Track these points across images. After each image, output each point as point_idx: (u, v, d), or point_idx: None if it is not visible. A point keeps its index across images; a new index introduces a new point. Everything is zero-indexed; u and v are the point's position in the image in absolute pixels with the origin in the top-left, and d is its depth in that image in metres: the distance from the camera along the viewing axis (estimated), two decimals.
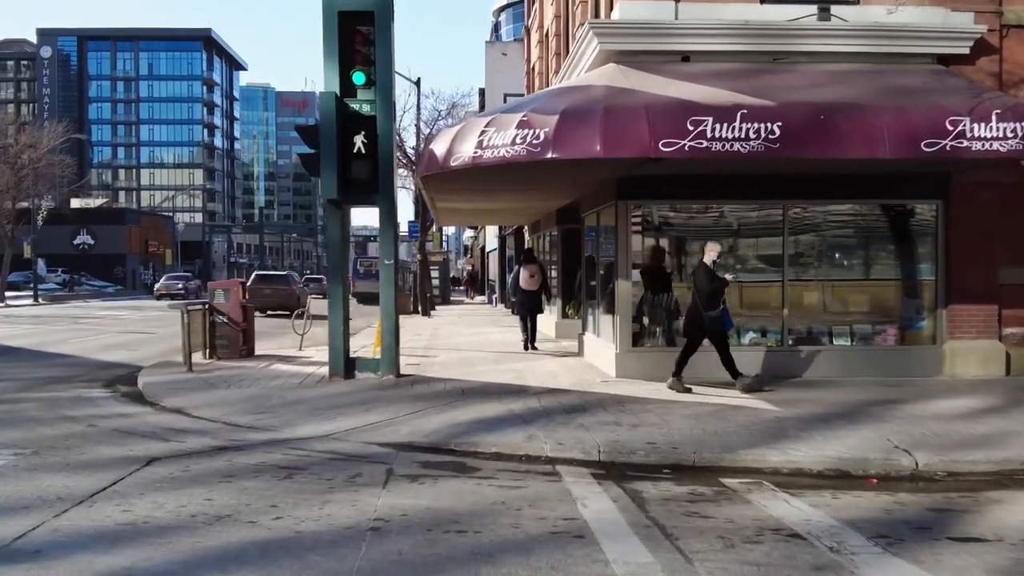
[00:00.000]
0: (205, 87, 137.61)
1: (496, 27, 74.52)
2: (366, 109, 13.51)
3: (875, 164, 11.85)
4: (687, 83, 11.75)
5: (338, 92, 13.32)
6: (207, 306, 17.18)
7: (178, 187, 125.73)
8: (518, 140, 10.74)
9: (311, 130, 13.35)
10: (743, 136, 10.50)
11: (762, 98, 11.10)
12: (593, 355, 15.18)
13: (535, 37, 27.52)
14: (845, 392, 11.83)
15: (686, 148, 10.46)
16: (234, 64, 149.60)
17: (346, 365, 13.63)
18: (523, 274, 18.23)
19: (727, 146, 10.49)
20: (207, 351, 17.03)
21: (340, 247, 13.62)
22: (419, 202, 37.90)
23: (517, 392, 12.14)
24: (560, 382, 12.97)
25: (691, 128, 10.48)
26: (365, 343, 18.64)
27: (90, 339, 23.91)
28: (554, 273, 22.19)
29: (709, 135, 10.48)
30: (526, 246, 29.87)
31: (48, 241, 78.27)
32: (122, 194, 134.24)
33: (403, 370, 14.47)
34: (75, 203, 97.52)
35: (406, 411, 10.83)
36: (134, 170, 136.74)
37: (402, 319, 34.27)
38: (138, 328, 28.59)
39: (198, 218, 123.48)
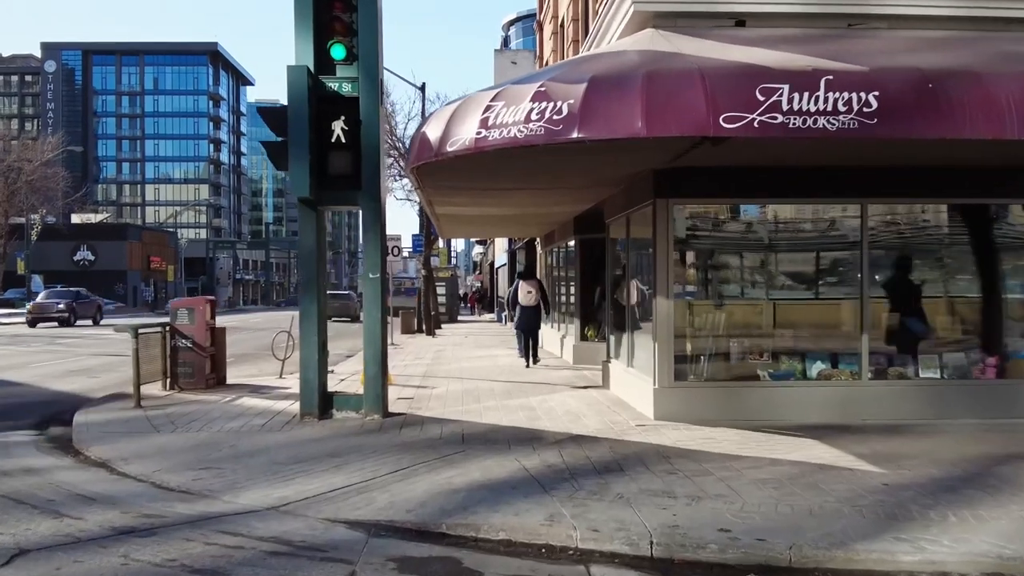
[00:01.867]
0: (211, 102, 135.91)
1: (506, 40, 72.73)
2: (347, 89, 11.05)
3: (984, 150, 9.32)
4: (747, 47, 9.23)
5: (312, 68, 10.86)
6: (167, 328, 14.69)
7: (184, 203, 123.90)
8: (534, 116, 8.21)
9: (277, 113, 10.87)
10: (830, 109, 7.92)
11: (848, 63, 8.57)
12: (623, 389, 12.60)
13: (548, 30, 25.11)
14: (951, 442, 9.24)
15: (755, 124, 7.89)
16: (241, 79, 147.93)
17: (321, 402, 11.12)
18: (521, 290, 17.73)
19: (809, 122, 7.91)
20: (167, 381, 14.54)
21: (315, 257, 11.12)
22: (424, 214, 35.47)
23: (531, 440, 9.60)
24: (585, 426, 10.40)
25: (761, 98, 7.91)
26: (359, 368, 16.06)
27: (54, 363, 21.46)
28: (571, 290, 19.65)
29: (785, 107, 7.90)
30: (537, 259, 27.37)
31: (47, 257, 76.55)
32: (127, 210, 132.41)
33: (393, 406, 11.95)
34: (76, 218, 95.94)
35: (388, 468, 8.30)
36: (139, 186, 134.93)
37: (405, 339, 32.02)
38: (118, 349, 26.03)
39: (204, 234, 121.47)
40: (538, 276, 28.11)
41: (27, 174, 59.54)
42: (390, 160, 36.46)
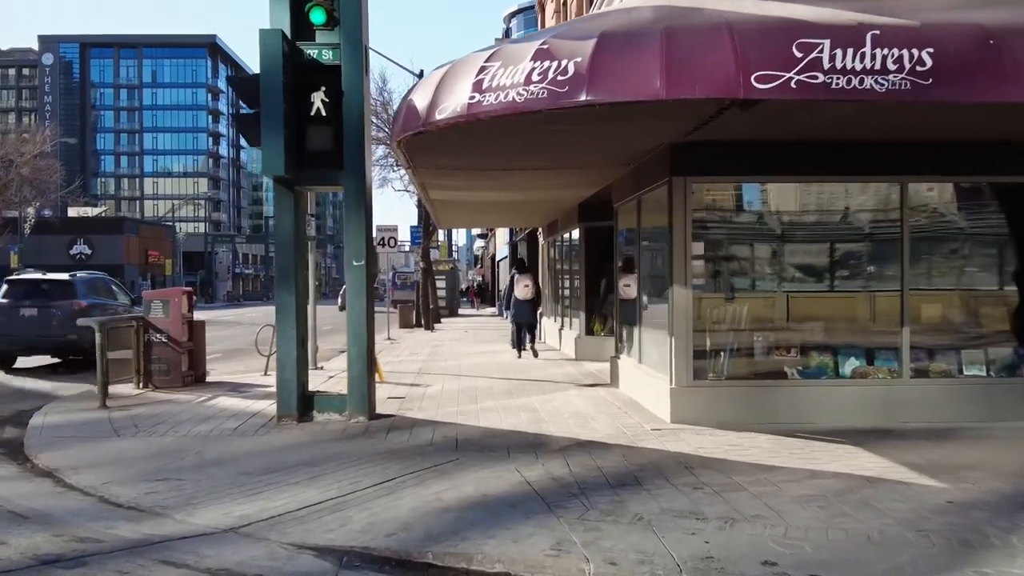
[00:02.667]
0: (210, 95, 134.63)
1: (507, 33, 71.70)
2: (327, 57, 9.95)
3: None
4: (780, 1, 8.13)
5: (288, 32, 9.77)
6: (140, 322, 13.62)
7: (183, 196, 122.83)
8: (535, 77, 7.11)
9: (248, 82, 9.79)
10: (878, 67, 6.81)
11: (897, 17, 7.47)
12: (634, 387, 11.52)
13: (550, 10, 23.99)
14: (1010, 449, 8.15)
15: (792, 84, 6.78)
16: (240, 72, 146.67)
17: (301, 404, 10.04)
18: (518, 284, 18.02)
19: (854, 82, 6.81)
20: (139, 378, 13.47)
21: (293, 243, 10.03)
22: (422, 205, 34.37)
23: (534, 446, 8.52)
24: (594, 430, 9.32)
25: (799, 55, 6.82)
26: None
27: (31, 359, 20.34)
28: (575, 282, 18.56)
29: (826, 65, 6.80)
30: (540, 250, 26.30)
31: (43, 251, 75.32)
32: (125, 204, 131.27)
33: (382, 406, 10.89)
34: (72, 212, 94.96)
35: (369, 481, 7.23)
36: (137, 179, 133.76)
37: (402, 334, 30.94)
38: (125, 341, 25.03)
39: (203, 228, 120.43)
40: (539, 268, 27.15)
41: (19, 166, 58.47)
42: (387, 150, 35.37)
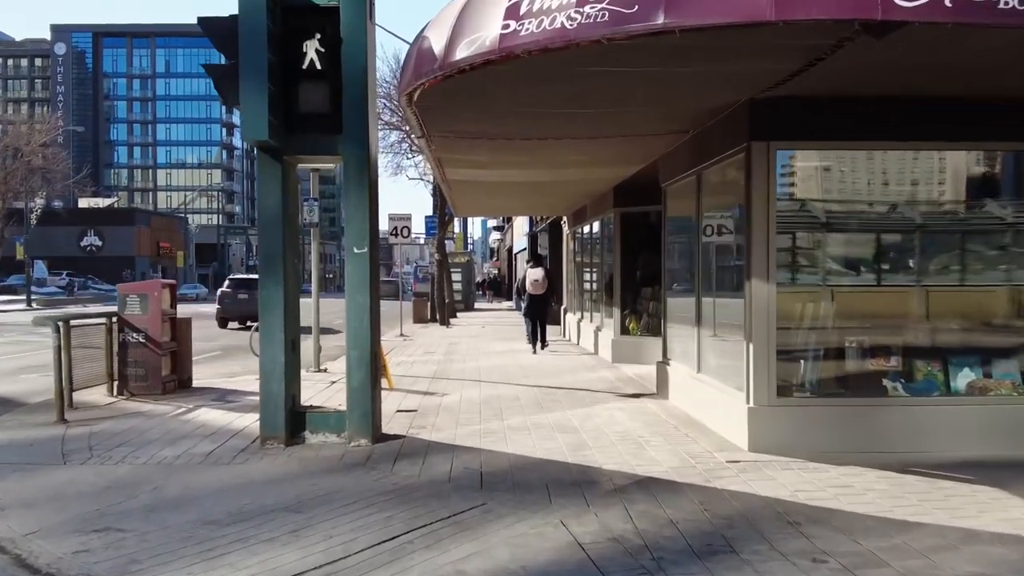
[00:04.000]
0: None
1: None
2: None
3: None
4: None
5: None
6: (113, 320, 11.84)
7: (196, 188, 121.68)
8: None
9: (222, 25, 7.94)
10: None
11: None
12: (691, 402, 9.62)
13: None
14: None
15: (947, 2, 4.91)
16: None
17: (290, 422, 8.22)
18: (529, 278, 17.81)
19: None
20: (113, 384, 11.70)
21: (281, 224, 8.18)
22: (438, 193, 32.54)
23: (580, 483, 6.66)
24: (653, 460, 7.43)
25: None
26: None
27: (9, 360, 18.64)
28: (607, 277, 16.68)
29: None
30: (564, 240, 24.42)
31: (52, 242, 74.29)
32: (138, 195, 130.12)
33: (390, 424, 9.07)
34: (83, 203, 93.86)
35: (368, 539, 5.42)
36: (150, 170, 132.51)
37: (417, 329, 29.06)
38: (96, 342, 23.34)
39: (216, 220, 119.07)
40: (562, 261, 25.27)
41: (26, 155, 57.03)
42: (400, 135, 33.55)
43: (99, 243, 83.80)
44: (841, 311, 8.07)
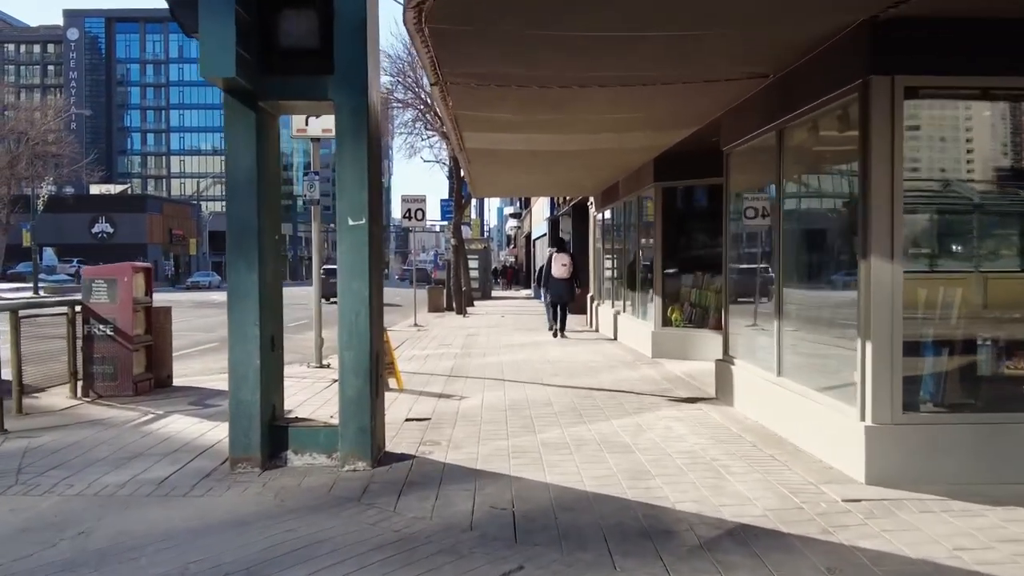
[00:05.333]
0: None
1: None
2: None
3: None
4: None
5: None
6: (76, 309, 10.15)
7: (210, 175, 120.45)
8: None
9: None
10: None
11: None
12: (770, 412, 7.76)
13: None
14: None
15: None
16: None
17: (267, 440, 6.46)
18: (555, 263, 17.90)
19: None
20: (75, 385, 10.01)
21: (254, 188, 6.39)
22: (454, 175, 30.77)
23: (650, 534, 4.87)
24: (741, 496, 5.60)
25: None
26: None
27: None
28: (645, 262, 14.86)
29: None
30: (591, 223, 22.56)
31: (63, 229, 73.19)
32: (151, 182, 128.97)
33: (396, 438, 7.35)
34: (95, 189, 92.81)
35: None
36: (164, 157, 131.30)
37: (432, 319, 27.26)
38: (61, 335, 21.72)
39: None
40: (589, 245, 23.42)
41: (32, 139, 55.69)
42: (415, 113, 31.80)
43: (110, 230, 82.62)
44: (986, 301, 6.23)
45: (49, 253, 69.00)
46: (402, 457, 6.77)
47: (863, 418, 5.81)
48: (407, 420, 8.33)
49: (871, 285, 5.77)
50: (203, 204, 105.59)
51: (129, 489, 6.00)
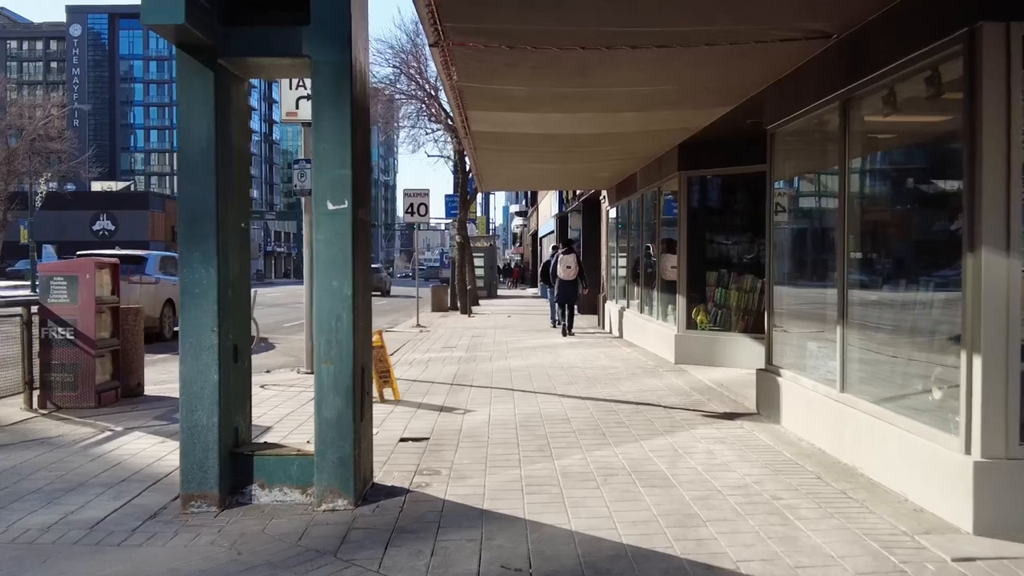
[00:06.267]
0: None
1: None
2: None
3: None
4: None
5: None
6: (33, 311, 9.01)
7: None
8: None
9: None
10: None
11: None
12: (833, 435, 6.54)
13: None
14: None
15: None
16: None
17: (227, 471, 5.29)
18: (561, 264, 18.09)
19: None
20: (30, 395, 8.86)
21: (211, 164, 5.21)
22: (459, 170, 29.59)
23: None
24: (819, 552, 4.40)
25: None
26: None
27: None
28: (668, 259, 13.68)
29: None
30: (604, 218, 21.36)
31: (64, 226, 72.27)
32: (155, 179, 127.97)
33: (388, 465, 6.20)
34: (96, 186, 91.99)
35: None
36: (167, 154, 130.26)
37: (435, 319, 26.08)
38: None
39: None
40: (601, 242, 22.21)
41: (29, 134, 54.66)
42: (418, 105, 30.62)
43: (112, 227, 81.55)
44: None
45: (49, 251, 67.87)
46: (393, 491, 5.59)
47: (968, 450, 4.63)
48: (402, 440, 7.16)
49: (981, 284, 4.58)
50: None
51: (55, 534, 4.84)
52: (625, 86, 7.81)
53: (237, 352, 5.47)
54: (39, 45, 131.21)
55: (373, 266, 59.80)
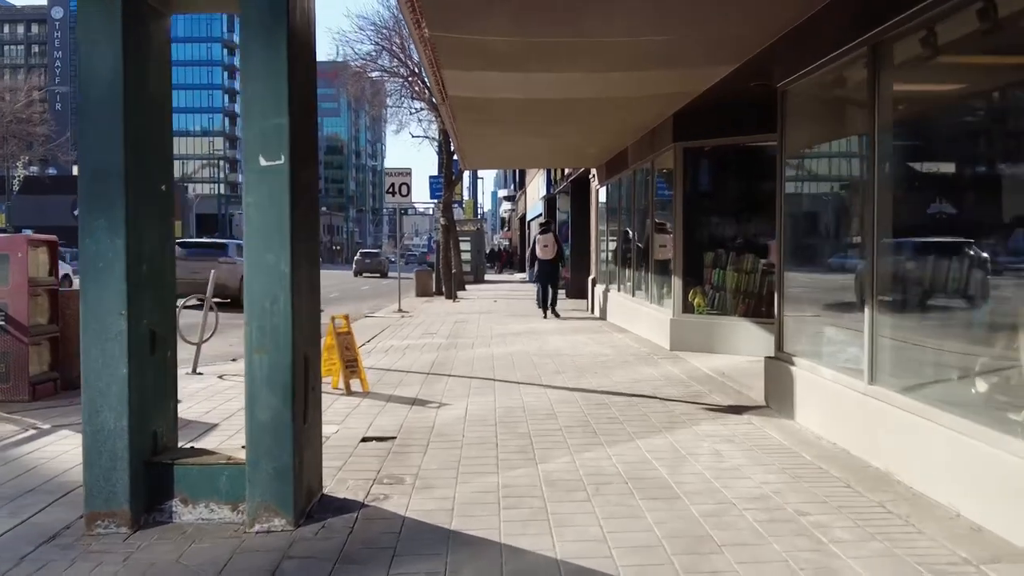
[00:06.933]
0: (226, 50, 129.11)
1: None
2: None
3: None
4: None
5: None
6: None
7: (197, 156, 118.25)
8: None
9: None
10: None
11: None
12: (859, 432, 5.64)
13: None
14: None
15: None
16: None
17: (140, 484, 4.38)
18: (538, 244, 18.25)
19: None
20: None
21: (117, 115, 4.29)
22: (443, 150, 28.61)
23: None
24: None
25: None
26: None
27: None
28: (662, 239, 12.79)
29: None
30: (593, 197, 20.47)
31: (45, 211, 70.83)
32: None
33: (344, 469, 5.28)
34: (76, 170, 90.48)
35: None
36: None
37: (419, 304, 25.10)
38: None
39: (218, 189, 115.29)
40: (590, 222, 21.31)
41: (5, 117, 53.44)
42: (400, 84, 29.61)
43: None
44: None
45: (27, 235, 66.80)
46: (345, 506, 4.69)
47: None
48: (364, 440, 6.26)
49: None
50: (190, 186, 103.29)
51: None
52: (618, 36, 6.88)
53: (155, 340, 4.56)
54: (20, 28, 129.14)
55: (373, 250, 59.50)
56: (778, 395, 7.05)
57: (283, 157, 4.30)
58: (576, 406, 7.57)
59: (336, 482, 5.11)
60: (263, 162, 4.31)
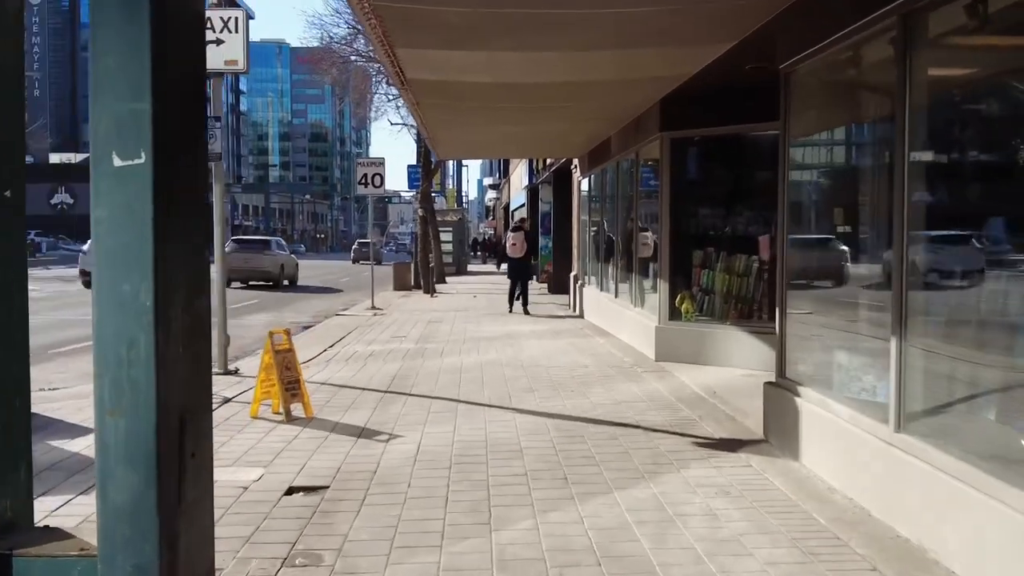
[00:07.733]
0: None
1: None
2: None
3: None
4: None
5: None
6: None
7: None
8: None
9: None
10: None
11: None
12: (882, 491, 4.62)
13: None
14: None
15: None
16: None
17: None
18: (508, 242, 18.73)
19: None
20: None
21: None
22: (421, 138, 27.50)
23: None
24: None
25: None
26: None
27: None
28: (645, 237, 11.79)
29: None
30: (575, 191, 19.46)
31: None
32: None
33: (249, 542, 4.25)
34: (55, 158, 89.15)
35: None
36: None
37: (395, 299, 23.94)
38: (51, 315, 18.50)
39: None
40: (573, 215, 20.35)
41: None
42: (378, 69, 28.46)
43: (71, 201, 79.01)
44: None
45: None
46: None
47: None
48: (289, 491, 5.23)
49: None
50: None
51: None
52: (598, 6, 5.85)
53: None
54: None
55: (362, 240, 59.96)
56: (780, 430, 6.06)
57: (144, 155, 3.25)
58: (546, 439, 6.55)
59: (237, 562, 4.08)
60: (117, 162, 3.25)
